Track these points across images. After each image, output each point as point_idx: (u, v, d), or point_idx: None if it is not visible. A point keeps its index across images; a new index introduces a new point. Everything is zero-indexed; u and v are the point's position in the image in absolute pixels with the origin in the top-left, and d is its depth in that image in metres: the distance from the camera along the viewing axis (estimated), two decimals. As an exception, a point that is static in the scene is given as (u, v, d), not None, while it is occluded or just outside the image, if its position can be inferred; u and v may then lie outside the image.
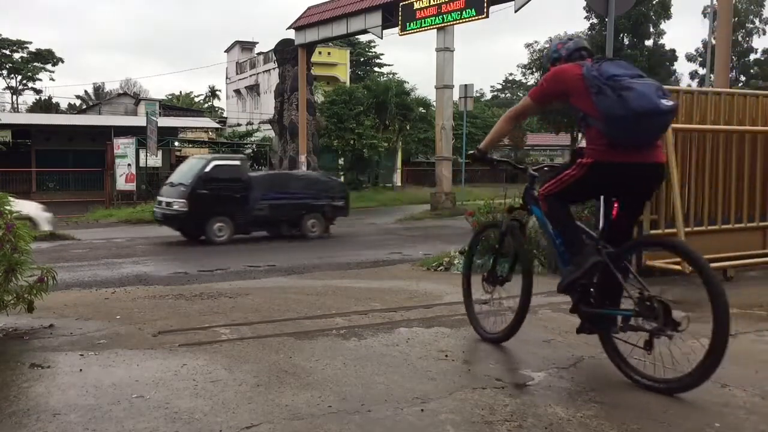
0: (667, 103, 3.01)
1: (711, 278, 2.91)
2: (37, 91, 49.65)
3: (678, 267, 5.83)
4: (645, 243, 3.36)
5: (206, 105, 59.79)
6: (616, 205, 3.37)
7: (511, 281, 3.98)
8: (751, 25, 42.00)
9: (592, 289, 3.35)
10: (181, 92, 61.73)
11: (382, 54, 51.80)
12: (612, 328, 3.27)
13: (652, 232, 6.12)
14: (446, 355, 3.72)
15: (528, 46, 46.90)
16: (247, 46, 44.92)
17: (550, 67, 3.45)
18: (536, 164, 4.13)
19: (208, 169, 13.61)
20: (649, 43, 39.82)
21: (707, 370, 2.89)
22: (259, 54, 41.96)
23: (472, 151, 3.85)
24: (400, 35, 22.14)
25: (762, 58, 42.95)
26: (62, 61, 48.42)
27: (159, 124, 25.69)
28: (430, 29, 21.20)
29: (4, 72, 47.49)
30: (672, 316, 2.95)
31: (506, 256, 4.11)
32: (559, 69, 3.36)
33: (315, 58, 30.17)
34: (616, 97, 3.00)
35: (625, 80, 3.03)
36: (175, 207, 13.41)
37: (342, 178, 33.16)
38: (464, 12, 20.00)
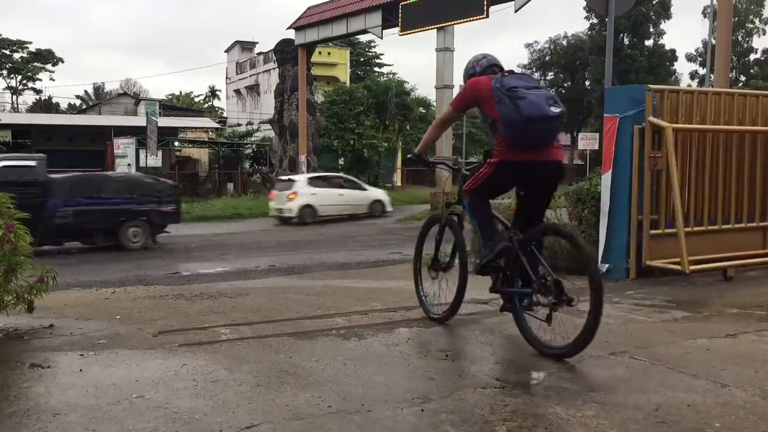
0: (555, 110, 3.54)
1: (589, 259, 3.52)
2: (37, 91, 49.74)
3: (677, 267, 5.84)
4: (544, 231, 3.90)
5: (206, 105, 59.82)
6: (525, 197, 3.86)
7: (453, 267, 4.44)
8: (751, 25, 41.97)
9: (508, 272, 3.80)
10: (181, 92, 61.83)
11: (382, 54, 51.85)
12: (522, 304, 3.75)
13: (653, 231, 6.13)
14: (446, 355, 3.72)
15: (528, 46, 46.96)
16: (247, 46, 44.96)
17: (468, 81, 3.92)
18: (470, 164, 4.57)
19: None
20: (649, 43, 39.85)
21: (587, 336, 3.34)
22: (259, 54, 42.00)
23: (409, 155, 4.43)
24: (400, 35, 22.14)
25: (762, 58, 42.92)
26: (62, 61, 48.50)
27: (159, 124, 25.74)
28: (430, 29, 21.20)
29: (4, 72, 47.52)
30: (565, 293, 3.38)
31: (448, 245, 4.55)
32: (474, 80, 3.86)
33: (315, 58, 30.18)
34: (513, 105, 3.52)
35: (520, 91, 3.55)
36: None
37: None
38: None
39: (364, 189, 21.73)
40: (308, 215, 19.25)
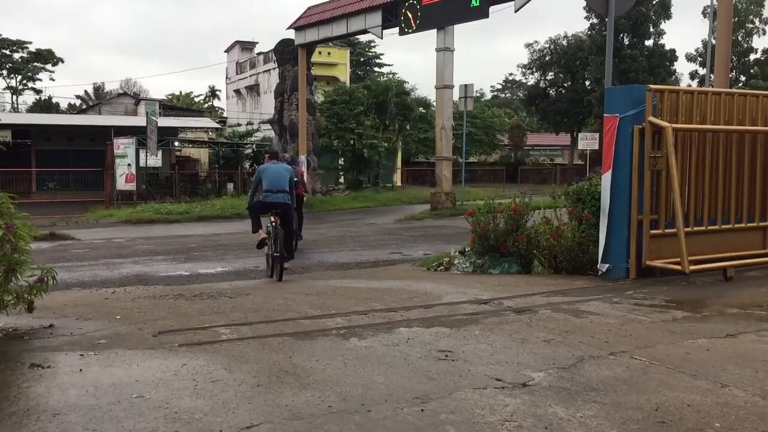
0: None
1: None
2: (37, 91, 49.68)
3: (677, 267, 5.84)
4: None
5: (206, 105, 59.81)
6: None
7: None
8: (751, 25, 41.94)
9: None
10: (181, 92, 61.83)
11: (382, 54, 51.85)
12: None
13: (653, 231, 6.13)
14: (446, 355, 3.72)
15: (528, 46, 46.93)
16: (247, 46, 44.92)
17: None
18: None
19: None
20: (649, 43, 39.83)
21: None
22: (259, 54, 41.96)
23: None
24: (401, 36, 22.11)
25: (762, 58, 42.89)
26: (62, 61, 48.49)
27: (159, 124, 25.69)
28: (430, 29, 21.17)
29: (4, 72, 47.52)
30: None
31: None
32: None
33: (315, 58, 30.15)
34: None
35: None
36: None
37: (342, 178, 33.28)
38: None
39: None
40: None
